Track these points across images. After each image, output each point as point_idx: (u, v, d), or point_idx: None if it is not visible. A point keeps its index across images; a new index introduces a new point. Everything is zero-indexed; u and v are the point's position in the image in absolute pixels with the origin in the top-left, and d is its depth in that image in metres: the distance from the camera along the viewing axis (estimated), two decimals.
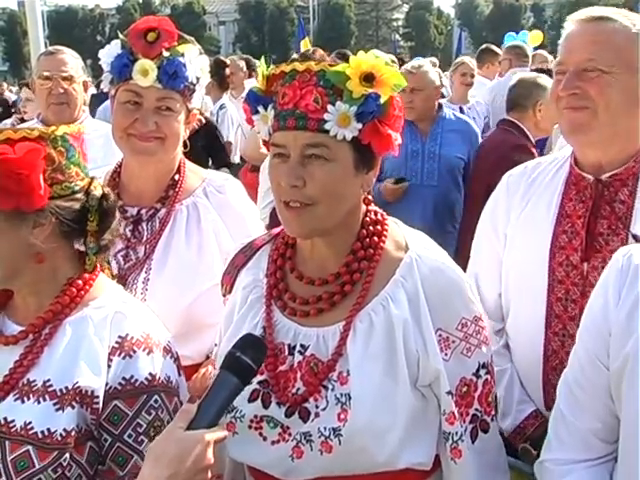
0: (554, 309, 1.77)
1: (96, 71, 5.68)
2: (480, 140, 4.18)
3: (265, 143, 1.51)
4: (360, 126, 1.38)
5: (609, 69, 1.65)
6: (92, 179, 1.52)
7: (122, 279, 1.87)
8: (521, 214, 1.86)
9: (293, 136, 1.39)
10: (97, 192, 1.50)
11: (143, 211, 1.97)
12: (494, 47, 7.44)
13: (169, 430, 1.21)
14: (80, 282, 1.49)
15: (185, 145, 1.99)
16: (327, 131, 1.37)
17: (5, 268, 1.43)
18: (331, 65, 1.40)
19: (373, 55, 1.41)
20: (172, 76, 1.85)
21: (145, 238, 1.94)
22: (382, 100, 1.39)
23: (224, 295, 1.64)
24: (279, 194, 1.42)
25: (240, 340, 1.31)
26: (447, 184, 3.94)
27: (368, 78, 1.38)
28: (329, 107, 1.37)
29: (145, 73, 1.83)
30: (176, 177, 2.00)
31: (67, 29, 54.46)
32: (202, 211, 1.97)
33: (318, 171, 1.38)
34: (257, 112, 1.47)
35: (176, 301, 1.87)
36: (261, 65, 1.47)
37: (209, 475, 1.21)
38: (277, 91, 1.44)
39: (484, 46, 7.67)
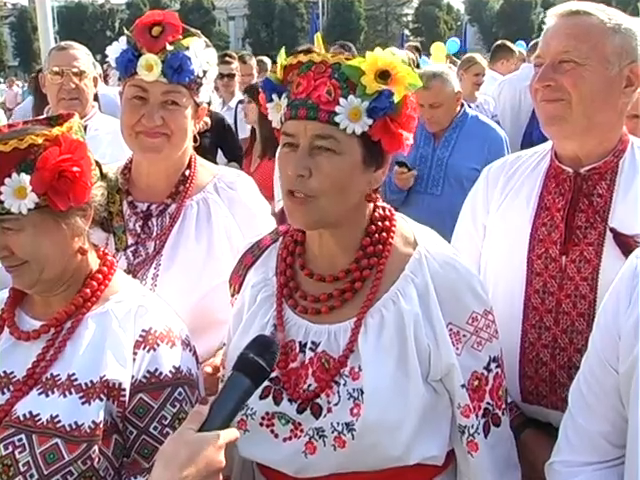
0: (531, 301, 1.76)
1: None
2: (505, 144, 3.87)
3: (277, 131, 1.50)
4: (370, 122, 1.38)
5: (583, 61, 1.65)
6: (98, 163, 1.54)
7: (131, 275, 1.85)
8: (500, 206, 1.86)
9: (304, 126, 1.39)
10: (111, 174, 1.54)
11: (153, 207, 1.95)
12: (509, 43, 7.28)
13: (180, 432, 1.20)
14: (100, 276, 1.51)
15: (195, 140, 1.98)
16: (337, 124, 1.38)
17: (56, 269, 1.44)
18: (347, 59, 1.40)
19: (390, 53, 1.43)
20: (177, 70, 1.83)
21: (155, 234, 1.92)
22: (395, 98, 1.38)
23: (232, 295, 1.64)
24: (285, 183, 1.42)
25: (253, 341, 1.30)
26: (452, 195, 3.61)
27: (383, 75, 1.38)
28: (341, 100, 1.37)
29: (149, 68, 1.82)
30: (187, 172, 1.99)
31: (77, 24, 54.61)
32: (212, 207, 1.96)
33: (325, 163, 1.39)
34: (271, 100, 1.47)
35: (185, 297, 1.86)
36: (280, 56, 1.47)
37: (220, 478, 1.20)
38: (292, 80, 1.44)
39: (499, 42, 7.44)
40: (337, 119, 1.37)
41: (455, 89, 3.86)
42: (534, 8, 57.66)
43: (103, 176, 1.52)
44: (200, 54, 1.88)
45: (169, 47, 1.83)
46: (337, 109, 1.37)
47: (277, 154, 1.47)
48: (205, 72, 1.91)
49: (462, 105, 3.94)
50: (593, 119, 1.68)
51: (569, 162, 1.77)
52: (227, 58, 5.80)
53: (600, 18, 1.68)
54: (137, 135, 1.87)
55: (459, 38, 15.13)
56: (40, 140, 1.37)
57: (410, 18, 64.81)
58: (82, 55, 3.25)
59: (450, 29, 61.50)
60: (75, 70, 3.17)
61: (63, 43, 3.37)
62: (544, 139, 1.87)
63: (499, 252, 1.84)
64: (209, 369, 1.81)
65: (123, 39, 1.88)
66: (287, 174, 1.40)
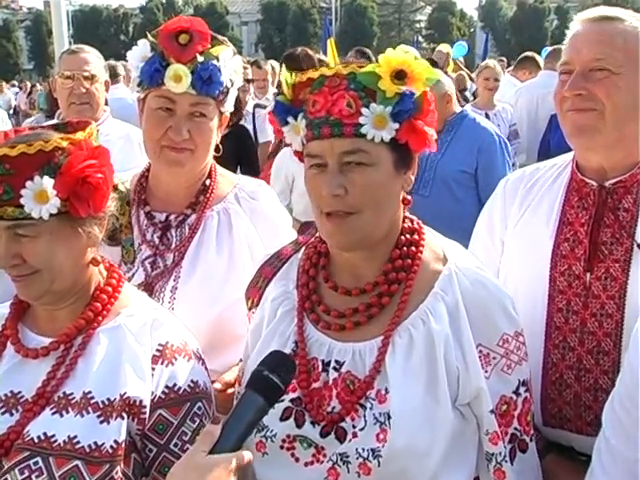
0: (554, 320, 1.69)
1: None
2: (500, 147, 3.90)
3: (298, 154, 1.45)
4: (397, 126, 1.34)
5: (617, 70, 1.59)
6: None
7: (149, 287, 1.81)
8: (519, 221, 1.79)
9: (329, 144, 1.34)
10: (121, 186, 1.48)
11: (172, 217, 1.89)
12: (538, 57, 7.22)
13: (191, 454, 1.16)
14: (109, 289, 1.46)
15: (217, 149, 1.91)
16: (364, 135, 1.32)
17: (67, 280, 1.40)
18: (360, 66, 1.35)
19: (402, 51, 1.36)
20: (207, 82, 1.76)
21: (174, 245, 1.86)
22: (416, 96, 1.34)
23: (250, 309, 1.58)
24: (320, 205, 1.37)
25: (268, 357, 1.26)
26: (439, 196, 3.77)
27: (399, 75, 1.34)
28: (363, 110, 1.32)
29: (178, 79, 1.74)
30: (207, 182, 1.93)
31: (91, 28, 54.96)
32: (234, 217, 1.90)
33: (359, 177, 1.33)
34: (287, 123, 1.42)
35: (205, 311, 1.80)
36: (284, 74, 1.41)
37: None
38: (306, 99, 1.39)
39: (529, 53, 7.44)
40: (363, 130, 1.32)
41: (442, 91, 3.86)
42: (547, 15, 57.46)
43: (114, 187, 1.47)
44: (228, 64, 1.82)
45: (199, 57, 1.75)
46: (361, 120, 1.32)
47: (304, 176, 1.41)
48: (232, 82, 1.85)
49: (462, 108, 3.96)
50: (624, 131, 1.62)
51: (593, 175, 1.69)
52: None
53: (633, 24, 1.62)
54: (162, 150, 1.81)
55: (468, 43, 15.04)
56: (65, 144, 1.33)
57: (423, 24, 64.80)
58: (93, 59, 3.21)
59: (463, 35, 61.38)
60: (86, 74, 3.14)
61: (74, 47, 3.34)
62: (562, 147, 1.80)
63: (519, 269, 1.76)
64: (218, 385, 1.74)
65: (145, 44, 1.80)
66: (321, 195, 1.35)
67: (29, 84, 18.84)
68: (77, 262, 1.40)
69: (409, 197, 1.46)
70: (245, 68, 5.73)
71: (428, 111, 1.37)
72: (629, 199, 1.66)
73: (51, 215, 1.32)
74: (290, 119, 1.41)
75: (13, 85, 21.41)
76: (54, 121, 3.43)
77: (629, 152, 1.66)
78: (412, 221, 1.47)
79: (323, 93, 1.35)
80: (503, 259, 1.82)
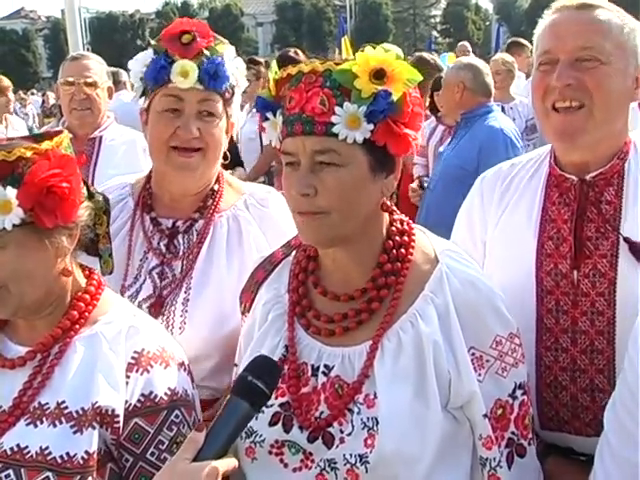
0: (545, 322, 1.64)
1: None
2: (506, 149, 3.81)
3: (278, 151, 1.43)
4: (371, 127, 1.30)
5: (607, 59, 1.54)
6: (85, 182, 1.47)
7: (159, 299, 1.75)
8: (499, 221, 1.74)
9: (302, 142, 1.32)
10: (97, 195, 1.47)
11: (179, 223, 1.82)
12: (522, 40, 7.42)
13: (174, 462, 1.15)
14: (87, 296, 1.44)
15: (225, 157, 1.86)
16: (336, 134, 1.29)
17: (37, 292, 1.38)
18: (337, 64, 1.32)
19: (382, 49, 1.33)
20: (213, 76, 1.73)
21: (182, 253, 1.80)
22: (394, 97, 1.30)
23: (243, 314, 1.56)
24: (291, 204, 1.36)
25: (252, 362, 1.24)
26: (440, 191, 3.86)
27: (378, 75, 1.30)
28: (336, 109, 1.29)
29: (185, 74, 1.70)
30: (215, 187, 1.86)
31: (108, 34, 55.49)
32: (243, 224, 1.83)
33: (330, 178, 1.31)
34: (267, 119, 1.41)
35: (220, 324, 1.73)
36: (272, 70, 1.39)
37: None
38: (285, 95, 1.37)
39: (514, 39, 7.75)
40: (335, 130, 1.29)
41: (457, 80, 4.01)
42: None
43: (90, 196, 1.45)
44: (232, 62, 1.80)
45: (205, 52, 1.74)
46: (333, 119, 1.29)
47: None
48: (237, 81, 1.82)
49: (483, 107, 3.97)
50: (613, 124, 1.58)
51: (573, 169, 1.64)
52: (250, 64, 5.71)
53: (616, 14, 1.58)
54: (169, 152, 1.75)
55: (495, 37, 14.95)
56: (29, 154, 1.31)
57: (438, 19, 64.49)
58: (95, 65, 3.24)
59: (478, 29, 61.00)
60: (87, 80, 3.17)
61: (76, 53, 3.38)
62: None
63: (503, 271, 1.70)
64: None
65: (149, 52, 1.77)
66: (292, 195, 1.34)
67: (49, 93, 19.09)
68: (47, 273, 1.38)
69: (392, 204, 1.43)
70: (250, 69, 5.72)
71: (408, 113, 1.32)
72: (610, 191, 1.62)
73: (16, 225, 1.30)
74: (269, 115, 1.40)
75: (33, 94, 21.68)
76: (59, 128, 3.45)
77: (612, 144, 1.62)
78: (402, 222, 1.44)
79: (299, 90, 1.33)
80: (486, 262, 1.77)
